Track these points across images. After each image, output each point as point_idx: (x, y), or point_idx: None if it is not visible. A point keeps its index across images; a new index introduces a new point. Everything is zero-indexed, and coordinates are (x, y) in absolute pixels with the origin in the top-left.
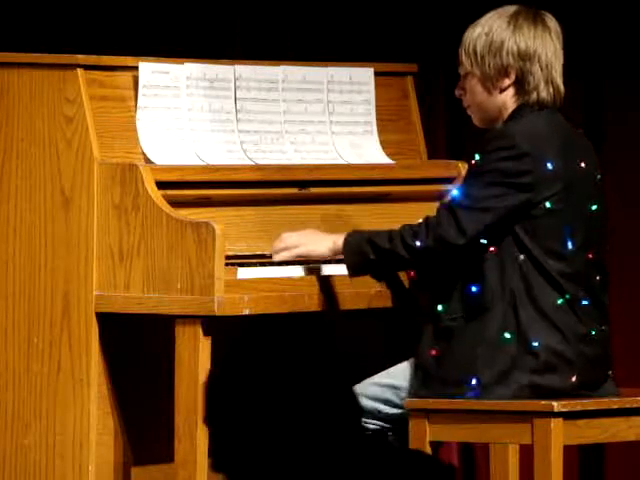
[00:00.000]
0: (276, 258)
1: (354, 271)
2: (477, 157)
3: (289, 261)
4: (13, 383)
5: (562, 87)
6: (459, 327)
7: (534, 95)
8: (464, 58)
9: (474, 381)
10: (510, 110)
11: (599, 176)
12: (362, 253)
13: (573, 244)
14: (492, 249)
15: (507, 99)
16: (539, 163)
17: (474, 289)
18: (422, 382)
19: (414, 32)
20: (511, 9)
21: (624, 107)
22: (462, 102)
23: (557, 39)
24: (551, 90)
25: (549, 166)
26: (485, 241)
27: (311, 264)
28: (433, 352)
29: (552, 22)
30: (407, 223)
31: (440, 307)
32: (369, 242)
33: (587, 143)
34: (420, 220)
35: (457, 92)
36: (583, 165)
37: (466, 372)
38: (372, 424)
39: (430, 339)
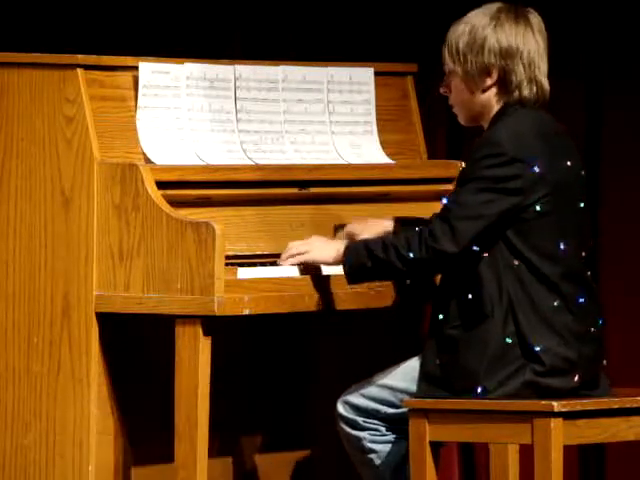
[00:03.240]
0: (283, 264)
1: (352, 278)
2: (465, 165)
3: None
4: (13, 383)
5: (546, 85)
6: (460, 336)
7: (516, 93)
8: (447, 56)
9: (479, 390)
10: (494, 110)
11: (583, 172)
12: (359, 261)
13: (566, 244)
14: (485, 255)
15: (490, 98)
16: (527, 167)
17: (471, 297)
18: (427, 391)
19: (414, 32)
20: (494, 6)
21: (623, 107)
22: (447, 100)
23: (540, 36)
24: (534, 88)
25: (537, 169)
26: (477, 248)
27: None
28: (437, 361)
29: (535, 19)
30: (403, 233)
31: (441, 315)
32: (367, 251)
33: (570, 140)
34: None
35: (442, 90)
36: (569, 164)
37: (471, 381)
38: (372, 424)
39: (434, 349)
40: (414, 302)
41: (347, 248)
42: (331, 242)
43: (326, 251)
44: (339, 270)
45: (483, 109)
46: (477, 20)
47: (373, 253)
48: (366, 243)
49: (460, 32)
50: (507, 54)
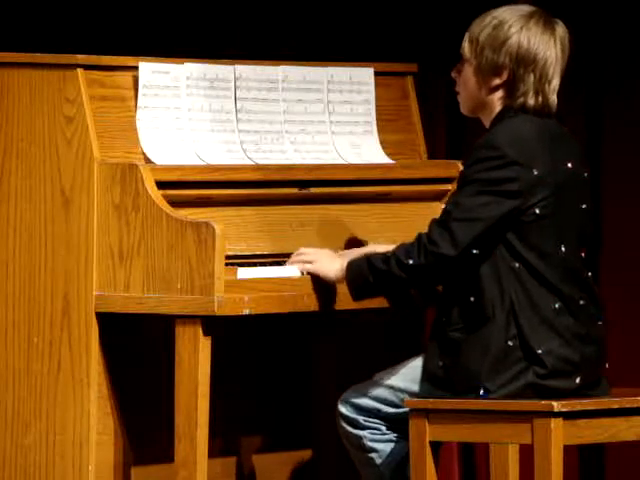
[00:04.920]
0: (288, 265)
1: (356, 296)
2: (464, 168)
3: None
4: (13, 383)
5: (552, 100)
6: (463, 338)
7: (520, 101)
8: (467, 43)
9: (481, 392)
10: (496, 110)
11: (586, 174)
12: (362, 277)
13: (566, 246)
14: (486, 258)
15: (494, 99)
16: (526, 170)
17: (473, 299)
18: (429, 392)
19: (414, 32)
20: (527, 8)
21: (624, 110)
22: (446, 98)
23: (562, 49)
24: (540, 100)
25: (536, 172)
26: (477, 251)
27: None
28: (440, 364)
29: (562, 31)
30: (402, 242)
31: (443, 318)
32: (367, 264)
33: (573, 142)
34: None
35: (453, 73)
36: (570, 165)
37: (473, 383)
38: (373, 423)
39: (436, 351)
40: (415, 305)
41: (349, 265)
42: (338, 258)
43: (331, 266)
44: None
45: (485, 105)
46: (506, 16)
47: (374, 266)
48: (367, 258)
49: (486, 24)
50: (522, 60)
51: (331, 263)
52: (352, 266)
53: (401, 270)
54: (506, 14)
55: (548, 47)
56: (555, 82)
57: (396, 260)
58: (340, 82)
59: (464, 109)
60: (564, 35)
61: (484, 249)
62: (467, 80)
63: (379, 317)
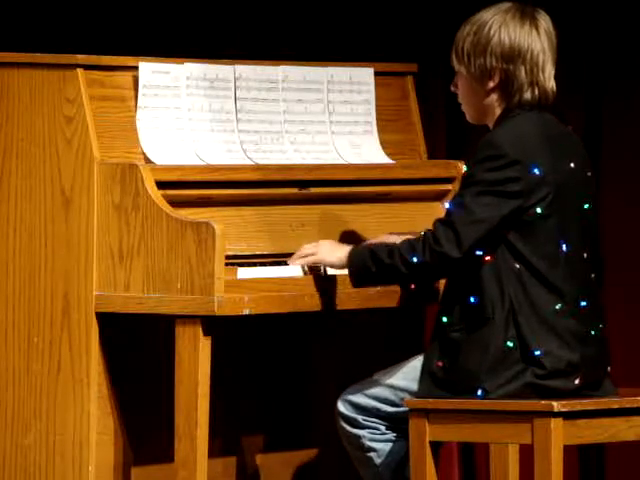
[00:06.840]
0: (291, 264)
1: (357, 282)
2: (467, 168)
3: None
4: (13, 383)
5: (550, 88)
6: (463, 338)
7: (516, 97)
8: (454, 55)
9: (480, 392)
10: (498, 112)
11: (589, 173)
12: (365, 266)
13: (568, 246)
14: (488, 258)
15: (493, 101)
16: (527, 169)
17: (473, 300)
18: (429, 392)
19: (414, 32)
20: (503, 6)
21: (623, 108)
22: (446, 100)
23: (547, 37)
24: (536, 92)
25: (537, 171)
26: (480, 252)
27: None
28: (440, 364)
29: (543, 19)
30: (407, 238)
31: (445, 319)
32: (371, 255)
33: (576, 141)
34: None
35: (452, 88)
36: (572, 165)
37: (472, 383)
38: (372, 422)
39: (437, 351)
40: (415, 303)
41: (351, 252)
42: (339, 246)
43: (333, 254)
44: (340, 270)
45: (487, 110)
46: (484, 19)
47: (377, 257)
48: (371, 247)
49: (467, 32)
50: (509, 57)
51: (333, 251)
52: (355, 254)
53: (404, 265)
54: (484, 17)
55: (531, 38)
56: (548, 69)
57: (400, 255)
58: (340, 82)
59: (469, 119)
60: (546, 21)
61: (487, 249)
62: (464, 90)
63: (379, 317)
